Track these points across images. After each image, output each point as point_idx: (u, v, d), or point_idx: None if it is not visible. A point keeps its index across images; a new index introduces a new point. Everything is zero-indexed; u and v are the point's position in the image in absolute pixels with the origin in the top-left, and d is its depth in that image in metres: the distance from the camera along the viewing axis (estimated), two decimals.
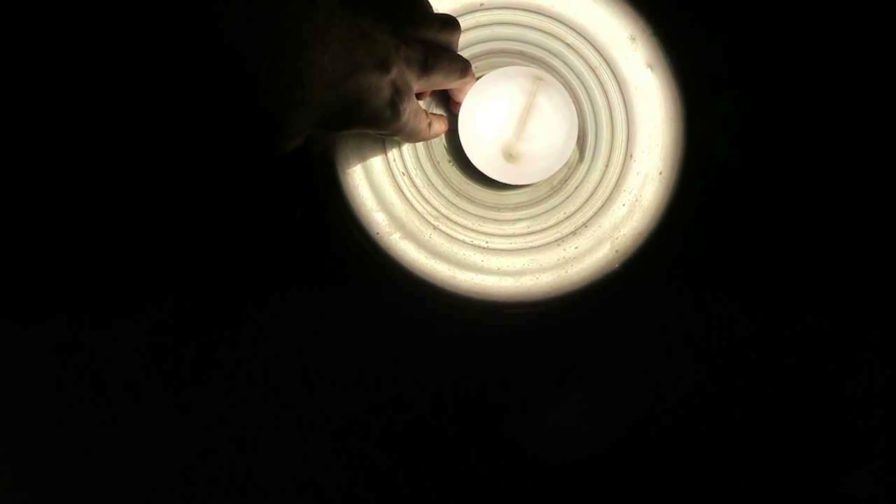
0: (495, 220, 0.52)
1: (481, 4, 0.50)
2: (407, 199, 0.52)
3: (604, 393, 0.49)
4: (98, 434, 0.52)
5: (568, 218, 0.51)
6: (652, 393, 0.49)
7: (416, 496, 0.50)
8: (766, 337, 0.49)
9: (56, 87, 0.35)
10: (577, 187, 0.52)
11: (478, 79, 0.49)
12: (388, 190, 0.51)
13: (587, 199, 0.52)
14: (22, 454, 0.52)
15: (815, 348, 0.50)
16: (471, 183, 0.53)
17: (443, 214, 0.52)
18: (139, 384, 0.52)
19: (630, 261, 0.48)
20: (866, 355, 0.50)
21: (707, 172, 0.48)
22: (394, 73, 0.37)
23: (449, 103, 0.50)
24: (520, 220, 0.53)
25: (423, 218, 0.51)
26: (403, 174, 0.52)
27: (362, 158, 0.51)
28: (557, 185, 0.53)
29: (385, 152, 0.51)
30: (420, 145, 0.52)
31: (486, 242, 0.51)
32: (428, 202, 0.52)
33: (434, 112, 0.51)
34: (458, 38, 0.44)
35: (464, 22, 0.51)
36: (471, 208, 0.53)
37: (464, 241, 0.51)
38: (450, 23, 0.42)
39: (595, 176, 0.52)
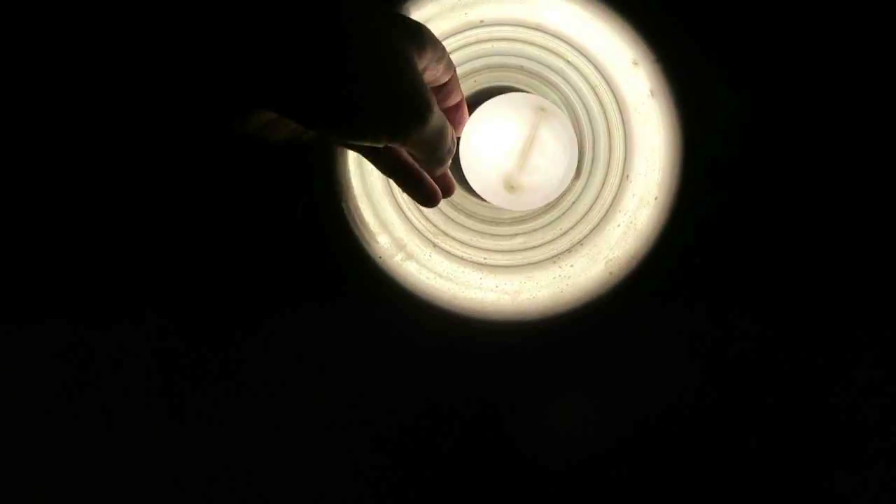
0: (493, 236, 0.53)
1: (481, 21, 0.49)
2: (407, 217, 0.52)
3: (597, 405, 0.52)
4: (98, 438, 0.53)
5: (563, 235, 0.52)
6: (645, 403, 0.52)
7: None
8: (764, 350, 0.51)
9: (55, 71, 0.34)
10: (573, 203, 0.53)
11: (478, 103, 0.48)
12: (389, 210, 0.52)
13: (583, 217, 0.53)
14: (22, 455, 0.54)
15: (809, 355, 0.52)
16: (468, 197, 0.54)
17: (441, 231, 0.53)
18: (140, 389, 0.53)
19: (624, 283, 0.50)
20: (863, 355, 0.52)
21: (704, 199, 0.49)
22: None
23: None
24: (517, 234, 0.54)
25: (423, 236, 0.52)
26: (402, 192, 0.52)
27: (363, 180, 0.51)
28: (553, 200, 0.54)
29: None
30: None
31: (485, 259, 0.52)
32: (427, 219, 0.53)
33: None
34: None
35: (464, 38, 0.50)
36: (469, 223, 0.54)
37: (462, 258, 0.52)
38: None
39: (591, 193, 0.52)
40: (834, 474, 0.52)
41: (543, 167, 0.45)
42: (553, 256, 0.52)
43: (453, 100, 0.43)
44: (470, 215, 0.54)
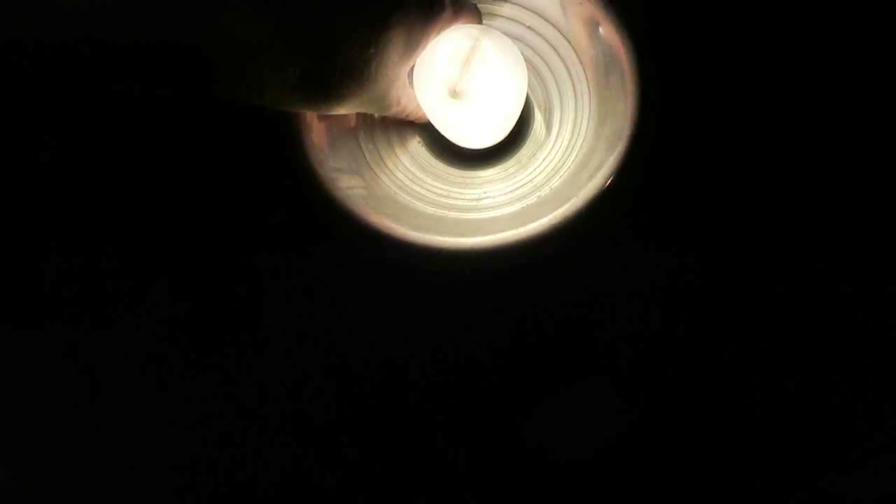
0: (462, 189, 0.52)
1: None
2: (375, 172, 0.52)
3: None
4: (96, 437, 0.51)
5: (531, 182, 0.51)
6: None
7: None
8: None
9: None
10: (544, 159, 0.52)
11: None
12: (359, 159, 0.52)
13: (556, 170, 0.51)
14: (22, 456, 0.51)
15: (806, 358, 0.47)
16: (439, 164, 0.54)
17: (409, 185, 0.52)
18: (136, 384, 0.51)
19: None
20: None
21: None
22: None
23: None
24: (487, 194, 0.52)
25: (394, 185, 0.51)
26: (372, 150, 0.52)
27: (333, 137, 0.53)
28: (525, 161, 0.53)
29: (356, 136, 0.53)
30: (392, 126, 0.54)
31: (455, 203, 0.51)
32: (394, 174, 0.52)
33: None
34: None
35: None
36: (438, 183, 0.53)
37: (433, 202, 0.51)
38: None
39: (562, 145, 0.51)
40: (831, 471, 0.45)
41: (486, 75, 0.45)
42: (521, 198, 0.50)
43: None
44: (439, 177, 0.53)
